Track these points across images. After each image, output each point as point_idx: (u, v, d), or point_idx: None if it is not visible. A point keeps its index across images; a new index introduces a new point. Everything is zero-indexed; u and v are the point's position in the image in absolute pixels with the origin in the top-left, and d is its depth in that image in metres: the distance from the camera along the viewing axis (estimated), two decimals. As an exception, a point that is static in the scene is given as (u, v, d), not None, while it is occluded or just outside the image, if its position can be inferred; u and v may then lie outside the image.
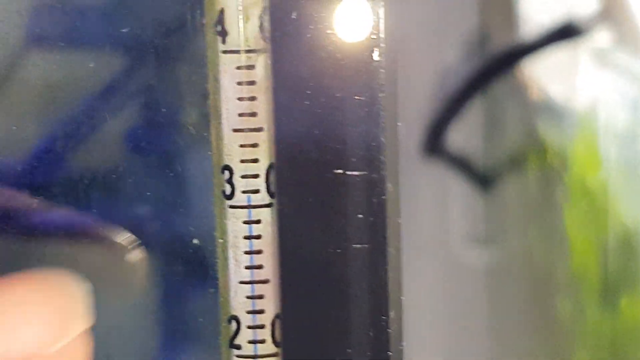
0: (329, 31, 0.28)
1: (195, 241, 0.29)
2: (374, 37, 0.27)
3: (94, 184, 0.29)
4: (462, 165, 0.53)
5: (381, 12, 0.27)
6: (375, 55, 0.27)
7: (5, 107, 0.28)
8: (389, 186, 0.28)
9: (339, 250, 0.28)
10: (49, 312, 0.23)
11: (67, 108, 0.29)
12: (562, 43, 0.51)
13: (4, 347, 0.22)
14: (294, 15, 0.27)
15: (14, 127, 0.28)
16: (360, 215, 0.28)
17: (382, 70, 0.27)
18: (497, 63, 0.52)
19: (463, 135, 0.53)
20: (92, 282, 0.27)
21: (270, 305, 0.29)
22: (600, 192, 0.51)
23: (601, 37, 0.50)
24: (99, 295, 0.29)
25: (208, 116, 0.28)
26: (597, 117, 0.51)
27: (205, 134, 0.28)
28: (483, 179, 0.54)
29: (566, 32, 0.50)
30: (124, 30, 0.28)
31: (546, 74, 0.52)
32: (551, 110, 0.52)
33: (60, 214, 0.28)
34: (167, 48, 0.28)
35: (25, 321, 0.22)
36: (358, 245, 0.28)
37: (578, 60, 0.51)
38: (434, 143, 0.53)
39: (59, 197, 0.29)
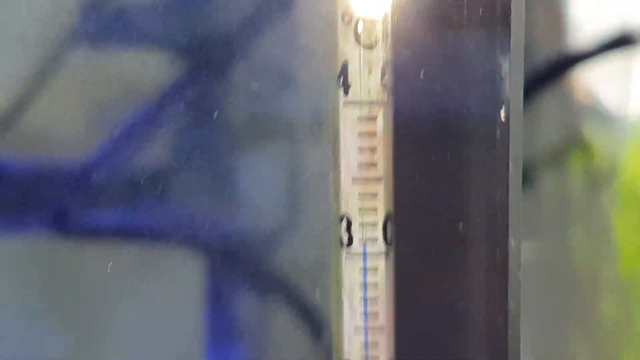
0: (452, 87, 0.28)
1: (316, 294, 0.29)
2: (502, 96, 0.27)
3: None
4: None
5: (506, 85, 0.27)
6: (502, 116, 0.27)
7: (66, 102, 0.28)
8: (512, 241, 0.28)
9: (458, 304, 0.28)
10: None
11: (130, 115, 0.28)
12: (616, 52, 0.51)
13: None
14: (421, 75, 0.27)
15: (76, 122, 0.28)
16: (480, 270, 0.28)
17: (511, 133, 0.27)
18: (547, 71, 0.52)
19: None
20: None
21: (384, 354, 0.29)
22: (652, 201, 0.51)
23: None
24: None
25: (328, 165, 0.28)
26: (651, 127, 0.51)
27: (325, 182, 0.28)
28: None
29: (621, 41, 0.50)
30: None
31: (598, 81, 0.52)
32: (601, 115, 0.52)
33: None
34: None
35: None
36: (477, 300, 0.28)
37: (632, 69, 0.51)
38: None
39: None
